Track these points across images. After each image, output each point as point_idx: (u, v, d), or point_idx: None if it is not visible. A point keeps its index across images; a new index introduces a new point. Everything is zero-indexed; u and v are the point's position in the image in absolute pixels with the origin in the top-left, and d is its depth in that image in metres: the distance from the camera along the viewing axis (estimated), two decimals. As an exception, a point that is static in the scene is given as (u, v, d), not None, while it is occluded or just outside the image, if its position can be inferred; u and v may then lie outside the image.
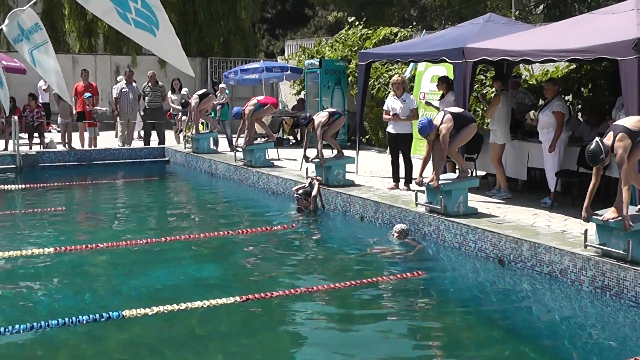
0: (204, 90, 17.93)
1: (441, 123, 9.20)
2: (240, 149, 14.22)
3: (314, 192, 11.33)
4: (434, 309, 6.50)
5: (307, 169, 12.21)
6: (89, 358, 6.10)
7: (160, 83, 19.85)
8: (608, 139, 6.92)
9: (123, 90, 19.22)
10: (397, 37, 19.10)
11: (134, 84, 19.50)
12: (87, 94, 18.65)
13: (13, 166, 16.44)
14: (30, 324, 6.41)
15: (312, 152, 11.90)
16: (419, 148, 14.99)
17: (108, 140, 19.62)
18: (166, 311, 6.70)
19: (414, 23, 31.08)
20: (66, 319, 6.48)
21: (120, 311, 6.65)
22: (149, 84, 19.35)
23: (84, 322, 6.47)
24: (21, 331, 6.27)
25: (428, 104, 14.01)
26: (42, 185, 14.63)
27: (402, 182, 12.10)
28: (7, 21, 5.86)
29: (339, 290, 7.44)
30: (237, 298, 7.13)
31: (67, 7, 27.92)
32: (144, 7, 3.80)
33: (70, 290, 7.93)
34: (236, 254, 8.87)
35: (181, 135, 19.22)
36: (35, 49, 5.48)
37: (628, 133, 6.87)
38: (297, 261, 9.16)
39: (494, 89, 12.46)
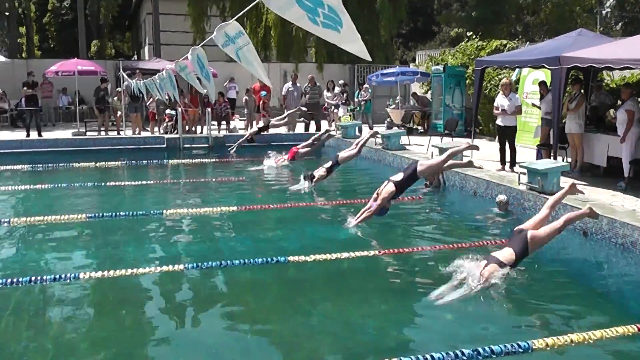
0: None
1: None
2: (379, 136, 14.31)
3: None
4: (529, 268, 6.48)
5: (432, 152, 12.33)
6: (267, 287, 6.39)
7: (317, 84, 20.30)
8: None
9: (289, 89, 19.91)
10: (506, 48, 18.85)
11: (297, 84, 20.09)
12: (263, 92, 19.70)
13: (206, 145, 17.41)
14: (219, 261, 6.77)
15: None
16: (523, 138, 15.29)
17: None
18: (320, 259, 6.85)
19: (519, 36, 30.60)
20: (246, 260, 6.81)
21: (286, 257, 6.88)
22: (309, 84, 19.85)
23: (259, 263, 6.74)
24: (212, 266, 6.69)
25: (533, 105, 14.15)
26: (227, 160, 15.36)
27: (507, 165, 12.51)
28: (215, 33, 6.34)
29: (456, 250, 7.38)
30: (376, 252, 7.28)
31: (248, 26, 28.83)
32: (330, 12, 4.06)
33: (248, 237, 8.24)
34: (374, 218, 8.94)
35: (333, 124, 19.80)
36: (239, 49, 5.89)
37: None
38: (425, 224, 9.19)
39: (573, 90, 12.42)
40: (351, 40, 4.05)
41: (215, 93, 9.65)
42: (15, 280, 6.17)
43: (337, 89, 20.49)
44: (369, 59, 4.19)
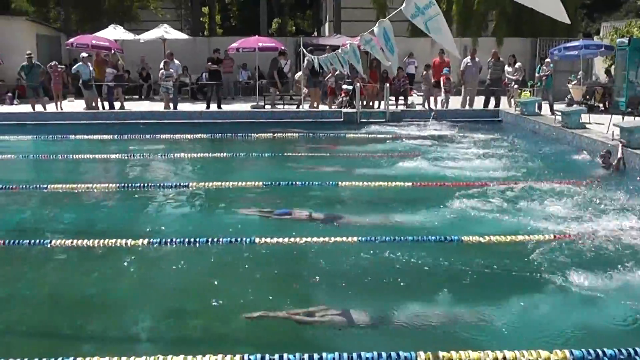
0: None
1: None
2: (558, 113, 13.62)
3: (619, 154, 10.59)
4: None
5: (612, 132, 11.70)
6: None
7: (501, 59, 19.73)
8: None
9: (468, 64, 19.50)
10: None
11: (476, 59, 19.60)
12: (446, 69, 19.35)
13: (383, 120, 17.58)
14: (391, 237, 6.73)
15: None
16: None
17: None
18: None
19: None
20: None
21: (460, 236, 6.70)
22: (492, 59, 19.47)
23: (433, 240, 6.70)
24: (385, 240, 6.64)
25: None
26: (402, 135, 15.11)
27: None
28: (404, 4, 6.23)
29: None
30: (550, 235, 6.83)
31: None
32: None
33: (421, 213, 7.97)
34: (535, 199, 8.38)
35: (512, 101, 19.07)
36: (429, 20, 5.78)
37: None
38: (606, 205, 8.35)
39: None
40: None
41: (396, 65, 9.80)
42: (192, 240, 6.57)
43: (517, 64, 19.73)
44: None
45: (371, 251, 6.43)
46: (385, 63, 11.99)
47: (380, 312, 5.12)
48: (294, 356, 4.06)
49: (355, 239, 6.66)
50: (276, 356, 4.06)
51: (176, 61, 20.26)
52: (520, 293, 5.43)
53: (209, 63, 20.10)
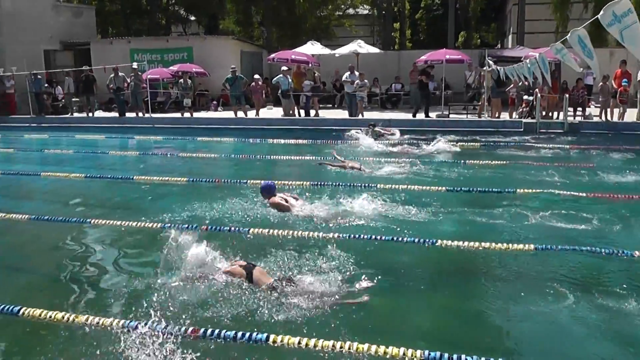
0: None
1: None
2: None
3: None
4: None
5: None
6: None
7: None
8: None
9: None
10: None
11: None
12: (625, 81, 18.98)
13: (561, 130, 17.65)
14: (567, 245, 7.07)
15: None
16: None
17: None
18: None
19: None
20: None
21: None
22: None
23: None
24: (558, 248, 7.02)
25: None
26: (582, 146, 15.17)
27: None
28: (602, 12, 6.35)
29: None
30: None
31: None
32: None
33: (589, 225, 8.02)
34: None
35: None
36: (625, 29, 5.91)
37: None
38: None
39: None
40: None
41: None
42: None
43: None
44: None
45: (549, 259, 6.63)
46: (576, 70, 12.46)
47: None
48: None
49: (532, 246, 6.84)
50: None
51: (357, 72, 21.59)
52: None
53: (422, 76, 21.21)
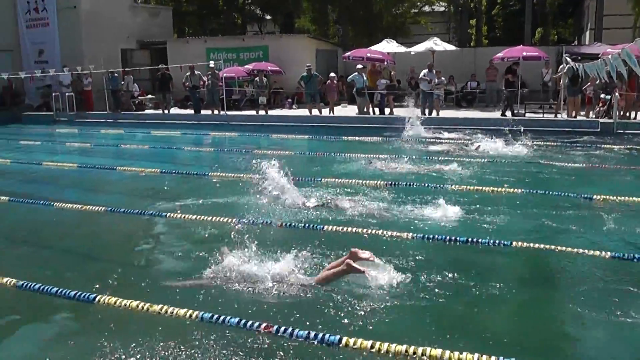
0: None
1: None
2: None
3: None
4: None
5: None
6: None
7: None
8: None
9: None
10: None
11: None
12: None
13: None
14: None
15: None
16: None
17: None
18: None
19: None
20: None
21: None
22: None
23: None
24: None
25: None
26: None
27: None
28: None
29: None
30: None
31: None
32: None
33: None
34: None
35: None
36: None
37: None
38: None
39: None
40: None
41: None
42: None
43: None
44: None
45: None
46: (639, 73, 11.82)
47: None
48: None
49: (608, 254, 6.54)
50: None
51: (433, 71, 21.29)
52: None
53: (508, 75, 20.77)
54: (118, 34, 28.81)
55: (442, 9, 45.33)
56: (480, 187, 9.82)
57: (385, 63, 23.77)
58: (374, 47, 25.72)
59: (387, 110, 21.71)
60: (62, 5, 27.62)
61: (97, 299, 5.56)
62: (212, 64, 23.43)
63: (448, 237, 7.08)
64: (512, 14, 46.28)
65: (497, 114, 20.52)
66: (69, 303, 5.65)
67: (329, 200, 8.99)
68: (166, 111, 24.19)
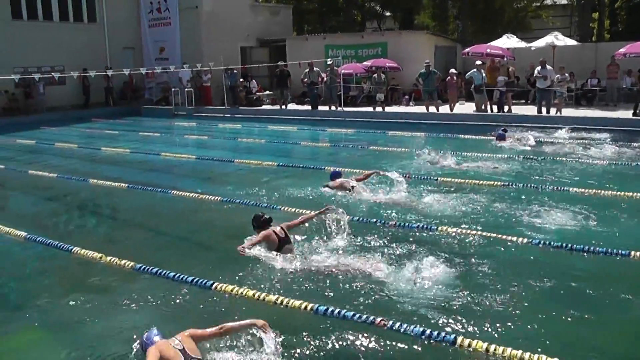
0: None
1: None
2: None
3: None
4: None
5: None
6: None
7: None
8: None
9: None
10: None
11: None
12: None
13: None
14: None
15: None
16: None
17: None
18: None
19: None
20: None
21: None
22: None
23: None
24: None
25: None
26: None
27: None
28: None
29: None
30: None
31: None
32: None
33: None
34: None
35: None
36: None
37: None
38: None
39: None
40: None
41: None
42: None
43: None
44: None
45: None
46: None
47: None
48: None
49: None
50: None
51: (548, 67, 20.33)
52: None
53: None
54: (238, 33, 29.60)
55: (565, 1, 43.43)
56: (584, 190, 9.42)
57: (505, 59, 23.07)
58: (494, 43, 25.05)
59: (505, 108, 21.05)
60: (184, 5, 28.68)
61: (214, 286, 5.70)
62: (329, 61, 23.60)
63: (548, 243, 6.89)
64: (636, 7, 43.60)
65: (616, 113, 19.34)
66: (187, 287, 5.86)
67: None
68: (283, 107, 24.61)
